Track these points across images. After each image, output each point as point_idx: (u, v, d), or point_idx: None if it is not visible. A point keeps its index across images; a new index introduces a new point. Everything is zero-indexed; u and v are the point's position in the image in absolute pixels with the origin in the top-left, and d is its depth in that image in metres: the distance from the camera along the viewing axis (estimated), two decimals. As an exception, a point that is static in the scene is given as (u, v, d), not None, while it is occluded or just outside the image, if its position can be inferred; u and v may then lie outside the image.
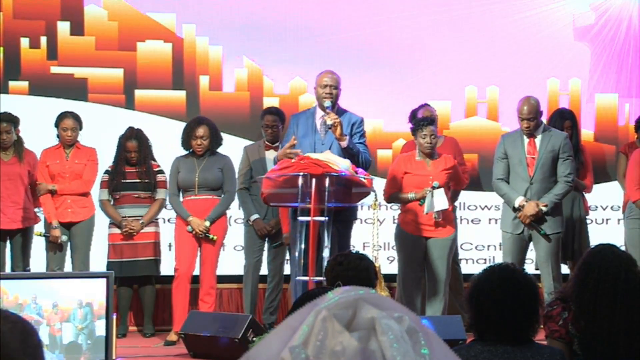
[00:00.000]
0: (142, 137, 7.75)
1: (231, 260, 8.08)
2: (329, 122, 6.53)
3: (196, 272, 7.59)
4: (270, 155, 7.78)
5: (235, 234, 8.04)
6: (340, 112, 6.72)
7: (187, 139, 7.55)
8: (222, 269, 7.95)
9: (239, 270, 7.97)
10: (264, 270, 7.94)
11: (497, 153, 7.32)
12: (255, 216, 7.78)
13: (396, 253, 7.38)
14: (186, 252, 7.44)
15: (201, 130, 7.50)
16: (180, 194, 7.63)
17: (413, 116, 7.87)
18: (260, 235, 7.79)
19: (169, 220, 8.01)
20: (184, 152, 7.67)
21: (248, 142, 8.15)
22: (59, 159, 7.66)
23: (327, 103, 6.65)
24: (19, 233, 7.64)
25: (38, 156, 7.70)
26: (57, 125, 7.67)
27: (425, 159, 7.18)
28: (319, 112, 6.79)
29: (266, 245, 7.87)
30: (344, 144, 6.58)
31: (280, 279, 7.90)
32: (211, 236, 7.40)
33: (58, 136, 7.69)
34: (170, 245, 7.95)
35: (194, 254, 7.48)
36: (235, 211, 8.10)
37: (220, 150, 7.71)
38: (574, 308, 3.61)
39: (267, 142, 7.87)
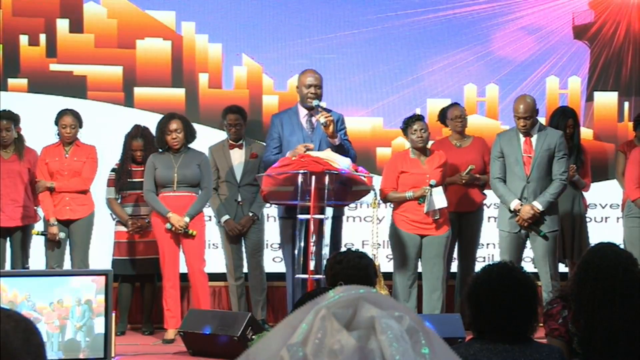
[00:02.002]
0: (147, 135, 7.73)
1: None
2: (322, 120, 6.53)
3: (183, 268, 7.54)
4: (234, 153, 7.80)
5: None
6: (326, 110, 6.74)
7: (161, 135, 7.43)
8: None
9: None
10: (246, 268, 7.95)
11: (493, 152, 7.32)
12: (226, 217, 7.78)
13: (391, 251, 7.38)
14: (169, 252, 7.37)
15: (174, 125, 7.40)
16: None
17: (443, 114, 7.88)
18: (232, 236, 7.79)
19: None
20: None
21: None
22: (58, 157, 7.65)
23: (316, 102, 6.70)
24: (19, 230, 7.65)
25: (39, 154, 7.69)
26: (56, 122, 7.66)
27: (419, 157, 7.19)
28: (302, 111, 6.82)
29: (244, 244, 7.87)
30: (337, 141, 6.59)
31: (261, 276, 7.88)
32: (190, 231, 7.35)
33: (57, 134, 7.68)
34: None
35: (177, 252, 7.42)
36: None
37: (197, 146, 7.66)
38: (574, 306, 3.61)
39: (230, 141, 7.87)
